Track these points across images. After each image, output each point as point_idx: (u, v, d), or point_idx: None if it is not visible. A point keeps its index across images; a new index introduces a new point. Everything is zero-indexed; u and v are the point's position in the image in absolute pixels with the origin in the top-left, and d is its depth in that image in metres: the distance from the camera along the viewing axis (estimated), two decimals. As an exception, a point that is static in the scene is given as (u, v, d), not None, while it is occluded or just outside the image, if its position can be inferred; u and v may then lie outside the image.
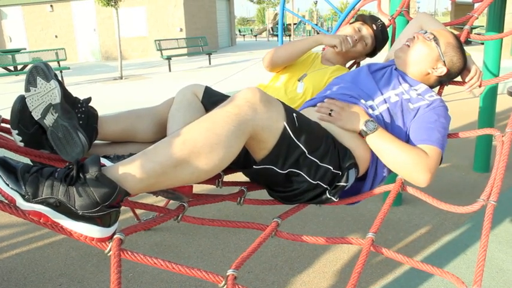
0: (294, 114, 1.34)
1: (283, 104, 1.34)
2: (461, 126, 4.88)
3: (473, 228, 2.69)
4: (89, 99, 1.55)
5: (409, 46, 1.74)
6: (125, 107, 5.93)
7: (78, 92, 8.36)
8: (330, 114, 1.53)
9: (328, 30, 23.84)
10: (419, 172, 1.43)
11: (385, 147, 1.48)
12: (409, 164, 1.44)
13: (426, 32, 1.75)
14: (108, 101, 7.58)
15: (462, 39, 2.21)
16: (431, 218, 2.85)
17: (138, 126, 1.66)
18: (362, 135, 1.50)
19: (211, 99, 1.63)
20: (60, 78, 1.45)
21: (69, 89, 1.50)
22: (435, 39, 1.71)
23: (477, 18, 2.32)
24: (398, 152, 1.46)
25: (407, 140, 1.58)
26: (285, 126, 1.29)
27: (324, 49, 2.60)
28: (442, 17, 65.96)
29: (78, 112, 1.46)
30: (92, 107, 1.55)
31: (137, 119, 1.67)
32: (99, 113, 1.58)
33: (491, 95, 3.60)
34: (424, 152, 1.46)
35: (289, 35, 23.32)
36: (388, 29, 2.38)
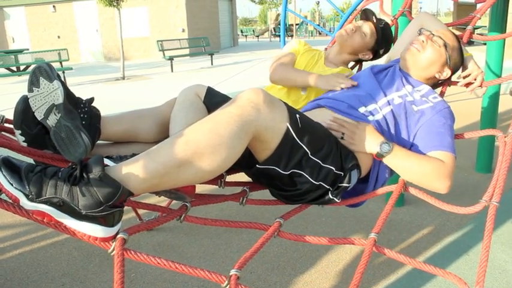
0: (297, 115, 1.34)
1: (287, 105, 1.34)
2: (463, 127, 4.87)
3: (476, 229, 2.69)
4: (91, 100, 1.55)
5: (417, 50, 1.73)
6: (127, 107, 5.94)
7: (80, 92, 8.36)
8: (342, 138, 1.51)
9: (330, 31, 23.81)
10: (440, 181, 1.46)
11: (403, 165, 1.49)
12: (429, 175, 1.46)
13: (433, 35, 1.74)
14: (111, 101, 7.60)
15: (465, 39, 2.21)
16: (434, 219, 2.85)
17: (141, 126, 1.66)
18: (378, 157, 1.50)
19: (213, 100, 1.63)
20: (62, 79, 1.46)
21: (72, 89, 1.50)
22: (445, 45, 1.71)
23: (479, 18, 2.32)
24: (417, 167, 1.47)
25: (412, 142, 1.58)
26: (288, 127, 1.29)
27: (326, 49, 2.60)
28: (445, 17, 65.89)
29: (81, 112, 1.47)
30: (94, 107, 1.55)
31: (140, 119, 1.68)
32: (102, 113, 1.58)
33: (493, 95, 3.59)
34: (440, 161, 1.47)
35: (292, 36, 23.32)
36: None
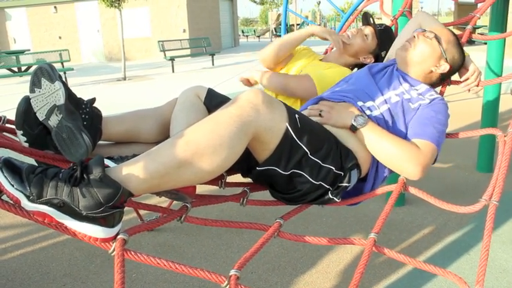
0: (296, 115, 1.35)
1: (286, 105, 1.35)
2: (464, 126, 4.87)
3: (477, 229, 2.69)
4: (93, 100, 1.56)
5: (410, 45, 1.75)
6: (129, 108, 5.93)
7: (82, 92, 8.35)
8: (320, 115, 1.54)
9: (331, 31, 23.72)
10: (409, 165, 1.44)
11: (376, 141, 1.49)
12: (399, 156, 1.46)
13: (425, 31, 1.76)
14: (112, 101, 7.60)
15: (464, 39, 2.21)
16: (434, 218, 2.85)
17: (142, 126, 1.67)
18: (352, 130, 1.51)
19: (214, 101, 1.64)
20: (64, 79, 1.46)
21: (73, 90, 1.51)
22: (437, 37, 1.72)
23: (479, 18, 2.32)
24: (389, 145, 1.47)
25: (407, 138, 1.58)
26: (287, 127, 1.29)
27: (325, 52, 2.61)
28: (445, 16, 65.81)
29: (82, 113, 1.48)
30: (96, 108, 1.56)
31: (141, 119, 1.68)
32: (103, 114, 1.59)
33: (494, 95, 3.59)
34: (415, 146, 1.48)
35: (292, 36, 23.31)
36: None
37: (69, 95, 1.45)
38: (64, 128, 1.40)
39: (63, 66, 10.93)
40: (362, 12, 2.34)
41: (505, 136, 1.62)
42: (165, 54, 12.54)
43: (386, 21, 2.82)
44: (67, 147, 1.41)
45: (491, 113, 3.64)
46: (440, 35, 1.74)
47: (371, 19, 2.23)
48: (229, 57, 16.02)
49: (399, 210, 3.00)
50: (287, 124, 1.30)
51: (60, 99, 1.42)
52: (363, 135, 1.50)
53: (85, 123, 1.47)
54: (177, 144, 1.13)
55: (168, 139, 1.19)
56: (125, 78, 10.96)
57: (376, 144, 1.49)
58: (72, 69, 11.15)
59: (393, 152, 1.46)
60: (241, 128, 1.18)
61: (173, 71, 12.08)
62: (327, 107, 1.56)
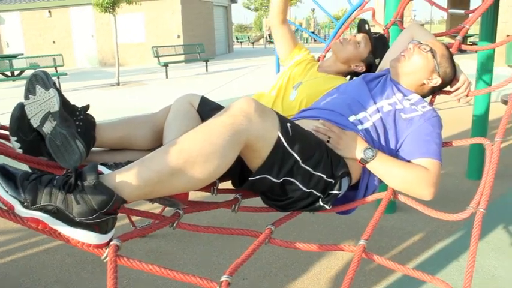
0: (288, 124, 1.37)
1: (278, 114, 1.37)
2: (455, 134, 4.92)
3: (466, 236, 2.72)
4: (87, 107, 1.57)
5: (405, 57, 1.77)
6: (122, 113, 5.94)
7: (75, 98, 8.36)
8: (328, 141, 1.55)
9: (324, 38, 23.91)
10: (423, 188, 1.49)
11: (387, 171, 1.53)
12: (412, 182, 1.50)
13: (421, 43, 1.79)
14: (105, 106, 7.60)
15: (454, 49, 2.25)
16: (425, 225, 2.88)
17: (136, 133, 1.68)
18: (362, 163, 1.53)
19: (207, 109, 1.66)
20: (57, 84, 1.48)
21: (66, 95, 1.52)
22: (432, 51, 1.75)
23: (469, 29, 2.36)
24: (401, 173, 1.51)
25: (400, 149, 1.61)
26: (279, 136, 1.31)
27: (319, 59, 2.63)
28: (438, 25, 66.42)
29: (76, 120, 1.49)
30: (89, 115, 1.57)
31: (135, 126, 1.69)
32: (96, 119, 1.60)
33: (484, 103, 3.64)
34: (424, 168, 1.51)
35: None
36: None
37: (64, 102, 1.46)
38: (58, 134, 1.41)
39: (56, 71, 10.91)
40: (358, 20, 2.36)
41: (492, 145, 1.65)
42: (159, 60, 12.57)
43: (379, 30, 2.85)
44: (61, 154, 1.42)
45: (481, 121, 3.69)
46: (435, 48, 1.77)
47: (366, 26, 2.25)
48: (223, 64, 16.07)
49: (390, 217, 3.02)
50: (279, 133, 1.32)
51: (55, 106, 1.43)
52: (373, 167, 1.53)
53: (79, 130, 1.48)
54: (170, 152, 1.15)
55: (162, 147, 1.20)
56: (118, 84, 10.95)
57: (387, 175, 1.53)
58: (66, 74, 11.13)
59: (405, 178, 1.51)
60: (234, 137, 1.20)
61: (167, 77, 12.11)
62: (335, 135, 1.55)
